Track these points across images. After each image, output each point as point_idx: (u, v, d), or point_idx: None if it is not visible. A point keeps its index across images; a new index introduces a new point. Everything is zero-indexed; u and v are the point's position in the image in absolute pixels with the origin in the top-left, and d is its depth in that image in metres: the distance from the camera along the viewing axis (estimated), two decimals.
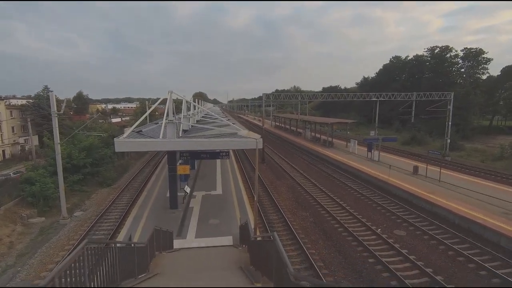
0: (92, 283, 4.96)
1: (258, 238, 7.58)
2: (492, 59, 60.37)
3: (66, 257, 3.79)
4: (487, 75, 62.13)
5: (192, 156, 17.74)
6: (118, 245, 6.33)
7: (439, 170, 25.28)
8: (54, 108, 16.27)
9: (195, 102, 24.75)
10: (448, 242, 15.03)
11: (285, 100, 59.99)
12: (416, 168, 27.08)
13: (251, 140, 13.48)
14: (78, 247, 4.34)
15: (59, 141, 17.19)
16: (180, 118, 23.25)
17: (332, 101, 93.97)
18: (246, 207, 18.31)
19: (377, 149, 33.49)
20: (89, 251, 4.83)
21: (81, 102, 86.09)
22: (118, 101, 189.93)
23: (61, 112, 17.12)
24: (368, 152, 34.99)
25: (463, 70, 63.01)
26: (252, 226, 11.63)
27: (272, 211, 19.84)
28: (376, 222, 18.07)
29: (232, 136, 15.58)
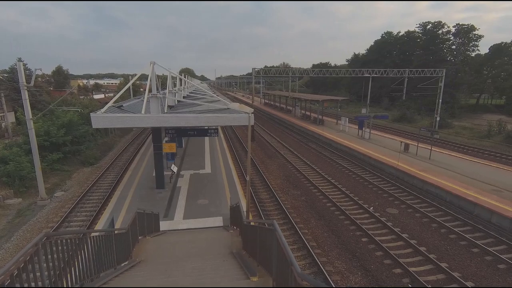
0: (58, 282, 4.17)
1: (252, 223, 6.89)
2: (483, 36, 59.89)
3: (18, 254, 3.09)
4: (477, 52, 61.79)
5: (178, 134, 16.68)
6: (92, 234, 5.51)
7: (429, 148, 25.24)
8: (22, 79, 14.65)
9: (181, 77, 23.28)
10: (440, 220, 14.96)
11: (275, 76, 58.30)
12: (406, 146, 26.94)
13: (243, 116, 12.55)
14: (30, 244, 3.47)
15: (31, 117, 15.72)
16: (165, 94, 21.90)
17: (322, 79, 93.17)
18: (236, 186, 17.68)
19: (368, 127, 33.14)
20: (52, 245, 4.01)
21: (61, 77, 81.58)
22: (100, 76, 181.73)
23: (31, 84, 15.50)
24: (359, 130, 34.66)
25: (454, 47, 62.43)
26: (244, 209, 10.98)
27: (263, 190, 19.32)
28: (368, 201, 17.85)
29: (221, 111, 14.55)
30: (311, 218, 15.59)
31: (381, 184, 20.45)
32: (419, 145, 26.40)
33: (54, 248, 4.09)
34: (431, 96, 48.20)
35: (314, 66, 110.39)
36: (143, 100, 15.53)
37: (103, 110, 12.02)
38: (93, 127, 11.40)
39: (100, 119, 11.27)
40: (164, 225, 12.52)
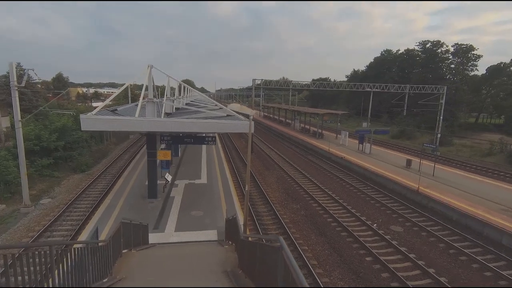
0: None
1: (250, 238, 6.07)
2: (482, 56, 60.53)
3: None
4: (476, 72, 62.29)
5: (174, 141, 15.94)
6: (74, 246, 4.68)
7: (431, 164, 24.62)
8: (13, 78, 14.00)
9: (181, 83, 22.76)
10: (448, 240, 14.09)
11: (275, 87, 58.18)
12: (409, 162, 26.27)
13: (243, 123, 11.89)
14: None
15: (19, 117, 14.96)
16: (163, 100, 21.32)
17: (320, 94, 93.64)
18: (233, 198, 16.80)
19: (369, 142, 32.57)
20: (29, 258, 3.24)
21: (61, 84, 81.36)
22: (101, 85, 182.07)
23: (22, 84, 14.83)
24: (360, 144, 34.06)
25: (453, 66, 62.94)
26: (242, 222, 10.13)
27: (260, 203, 18.43)
28: (372, 217, 16.99)
29: (221, 118, 13.89)
30: (311, 234, 14.68)
31: (384, 200, 19.64)
32: (421, 161, 25.76)
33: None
34: (431, 113, 48.02)
35: (313, 80, 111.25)
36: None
37: (94, 112, 11.32)
38: (82, 129, 10.66)
39: (90, 121, 10.54)
40: (153, 237, 11.59)
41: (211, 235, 12.04)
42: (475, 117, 68.57)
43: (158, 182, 18.31)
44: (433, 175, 23.26)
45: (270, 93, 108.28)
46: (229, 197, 17.01)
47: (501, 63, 57.65)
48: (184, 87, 39.61)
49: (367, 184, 22.88)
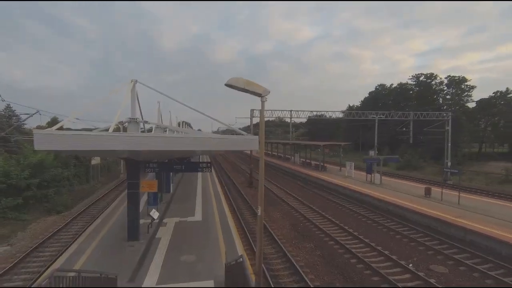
0: None
1: None
2: (476, 86, 61.00)
3: None
4: (472, 102, 62.23)
5: (162, 168, 13.32)
6: None
7: (451, 192, 22.14)
8: None
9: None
10: (510, 281, 11.03)
11: (273, 126, 56.85)
12: (428, 190, 23.58)
13: (249, 139, 9.54)
14: None
15: None
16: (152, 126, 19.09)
17: (318, 131, 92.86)
18: (233, 238, 13.71)
19: (379, 171, 30.08)
20: None
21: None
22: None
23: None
24: (368, 175, 31.49)
25: (448, 96, 63.13)
26: (252, 268, 7.22)
27: (266, 243, 15.27)
28: (403, 255, 13.88)
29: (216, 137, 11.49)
30: (335, 281, 11.47)
31: (411, 234, 16.62)
32: (436, 189, 23.26)
33: None
34: (436, 142, 46.38)
35: (310, 118, 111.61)
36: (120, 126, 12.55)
37: (55, 127, 8.90)
38: (35, 148, 8.12)
39: (46, 137, 8.04)
40: None
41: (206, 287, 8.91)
42: (476, 147, 67.17)
43: (143, 221, 15.30)
44: (458, 203, 20.47)
45: (267, 132, 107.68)
46: (228, 236, 13.92)
47: (498, 91, 57.33)
48: (180, 123, 37.85)
49: (386, 217, 19.91)
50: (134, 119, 12.58)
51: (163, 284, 9.06)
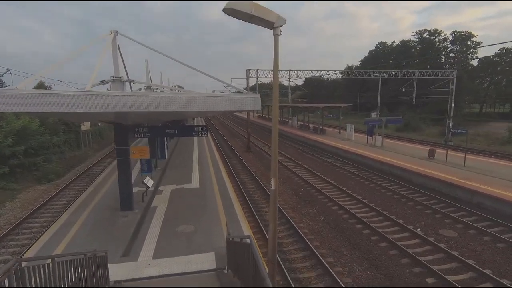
0: None
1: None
2: (481, 42, 58.31)
3: None
4: (476, 59, 59.91)
5: (152, 133, 12.10)
6: None
7: (455, 154, 21.51)
8: None
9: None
10: None
11: (270, 88, 54.70)
12: (432, 152, 22.90)
13: (249, 98, 8.29)
14: None
15: None
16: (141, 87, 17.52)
17: (315, 92, 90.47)
18: (234, 206, 13.00)
19: (380, 134, 29.22)
20: None
21: None
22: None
23: None
24: (369, 137, 30.69)
25: (452, 54, 60.59)
26: (265, 245, 6.40)
27: (267, 210, 14.68)
28: (409, 219, 13.42)
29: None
30: (341, 248, 10.98)
31: (416, 197, 16.12)
32: (440, 150, 22.60)
33: None
34: (437, 101, 45.20)
35: (307, 79, 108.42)
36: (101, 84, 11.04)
37: (19, 85, 7.48)
38: None
39: (9, 97, 6.67)
40: (119, 270, 7.75)
41: (207, 261, 8.24)
42: (475, 107, 66.21)
43: (137, 189, 14.47)
44: (464, 166, 19.89)
45: (262, 95, 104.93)
46: (228, 204, 13.21)
47: (501, 50, 54.88)
48: (173, 88, 35.74)
49: (389, 180, 19.37)
50: (118, 77, 11.07)
51: (159, 258, 8.36)
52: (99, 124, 37.50)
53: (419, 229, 12.33)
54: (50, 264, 4.46)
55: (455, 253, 10.23)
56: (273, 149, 6.49)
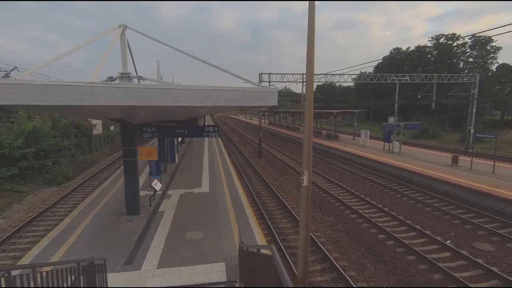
0: None
1: None
2: (502, 47, 56.19)
3: None
4: (496, 65, 57.72)
5: (161, 132, 11.53)
6: None
7: (478, 161, 20.02)
8: None
9: None
10: None
11: (284, 93, 54.20)
12: (455, 158, 21.52)
13: (264, 91, 7.58)
14: None
15: None
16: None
17: (327, 98, 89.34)
18: (246, 213, 12.18)
19: (397, 140, 27.94)
20: None
21: None
22: None
23: None
24: (385, 143, 29.44)
25: (471, 59, 58.58)
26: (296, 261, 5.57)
27: (281, 216, 13.80)
28: (437, 230, 12.26)
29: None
30: (364, 261, 9.96)
31: (442, 206, 14.91)
32: (462, 157, 21.15)
33: None
34: (456, 107, 43.47)
35: (318, 87, 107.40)
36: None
37: (19, 76, 6.99)
38: None
39: (6, 87, 6.16)
40: (121, 280, 7.02)
41: (217, 271, 7.43)
42: (497, 115, 63.58)
43: (145, 193, 13.87)
44: (493, 173, 18.49)
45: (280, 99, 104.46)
46: (240, 210, 12.41)
47: None
48: None
49: (410, 187, 18.16)
50: (126, 74, 10.56)
51: (165, 267, 7.60)
52: (111, 128, 37.58)
53: (449, 241, 11.17)
54: (36, 274, 3.78)
55: (495, 269, 9.07)
56: (305, 134, 5.70)
